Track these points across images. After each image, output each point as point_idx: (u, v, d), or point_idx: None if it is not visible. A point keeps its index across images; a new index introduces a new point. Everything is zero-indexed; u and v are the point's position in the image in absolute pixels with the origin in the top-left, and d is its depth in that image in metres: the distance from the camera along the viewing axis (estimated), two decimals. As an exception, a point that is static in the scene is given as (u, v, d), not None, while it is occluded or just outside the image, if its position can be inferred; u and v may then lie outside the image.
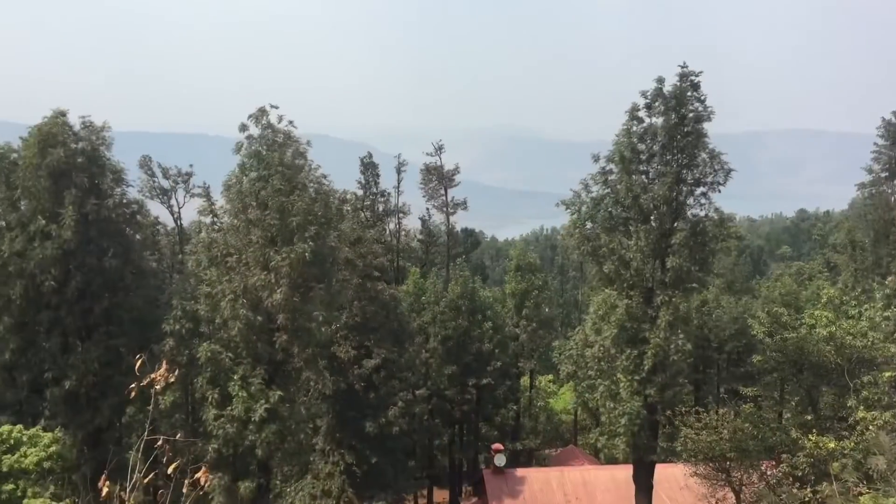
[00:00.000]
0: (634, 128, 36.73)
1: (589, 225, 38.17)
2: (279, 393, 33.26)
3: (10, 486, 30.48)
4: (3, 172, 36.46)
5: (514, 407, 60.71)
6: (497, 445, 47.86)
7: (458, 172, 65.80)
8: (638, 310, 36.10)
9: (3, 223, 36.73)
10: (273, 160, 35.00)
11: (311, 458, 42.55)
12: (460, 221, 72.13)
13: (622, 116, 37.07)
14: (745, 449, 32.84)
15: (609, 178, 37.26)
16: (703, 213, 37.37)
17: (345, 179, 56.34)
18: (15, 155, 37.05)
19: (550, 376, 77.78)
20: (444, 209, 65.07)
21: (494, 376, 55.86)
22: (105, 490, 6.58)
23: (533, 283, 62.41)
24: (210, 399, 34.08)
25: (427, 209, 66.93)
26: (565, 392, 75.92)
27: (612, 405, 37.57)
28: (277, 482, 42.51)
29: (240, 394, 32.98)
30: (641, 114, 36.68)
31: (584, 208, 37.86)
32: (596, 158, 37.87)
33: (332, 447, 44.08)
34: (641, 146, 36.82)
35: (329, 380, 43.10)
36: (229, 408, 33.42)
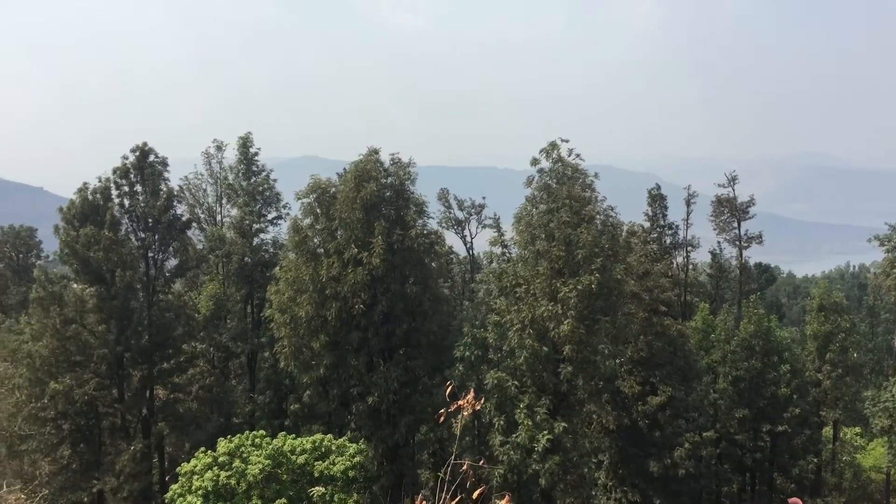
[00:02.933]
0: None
1: (909, 263, 34.30)
2: (563, 424, 33.47)
3: (321, 490, 33.70)
4: (325, 205, 40.67)
5: (815, 459, 55.72)
6: (795, 500, 44.00)
7: (753, 204, 62.82)
8: (972, 361, 31.61)
9: (323, 250, 40.91)
10: (561, 193, 35.66)
11: (594, 493, 42.16)
12: (754, 256, 68.50)
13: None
14: None
15: (936, 211, 33.22)
16: None
17: (630, 211, 55.79)
18: (334, 189, 41.21)
19: (858, 428, 70.45)
20: (737, 242, 62.60)
21: (792, 424, 51.83)
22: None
23: (839, 325, 57.29)
24: (497, 425, 35.17)
25: (718, 242, 64.47)
26: (876, 447, 68.12)
27: (937, 468, 33.10)
28: (559, 513, 42.69)
29: (525, 422, 33.66)
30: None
31: (903, 244, 34.10)
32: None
33: (615, 484, 43.41)
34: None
35: (612, 414, 42.63)
36: (514, 435, 34.24)
